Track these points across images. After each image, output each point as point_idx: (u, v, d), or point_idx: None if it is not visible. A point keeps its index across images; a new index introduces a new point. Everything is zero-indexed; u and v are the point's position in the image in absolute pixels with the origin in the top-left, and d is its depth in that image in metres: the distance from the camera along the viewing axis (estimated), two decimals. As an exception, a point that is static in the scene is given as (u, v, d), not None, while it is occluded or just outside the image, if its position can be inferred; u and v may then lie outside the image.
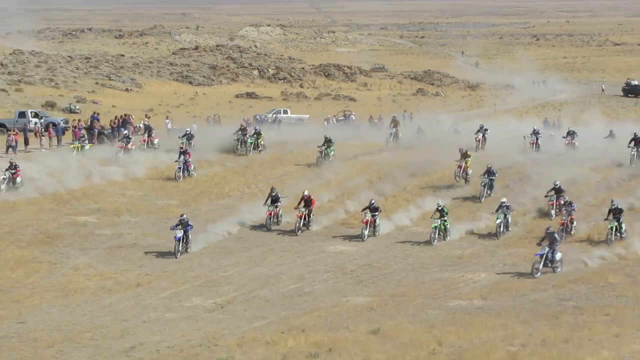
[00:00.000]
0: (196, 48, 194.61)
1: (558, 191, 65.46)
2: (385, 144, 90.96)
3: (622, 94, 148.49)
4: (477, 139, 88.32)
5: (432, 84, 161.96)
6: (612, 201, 60.41)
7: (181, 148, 79.86)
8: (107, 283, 49.22)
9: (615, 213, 58.50)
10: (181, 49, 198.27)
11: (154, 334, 40.70)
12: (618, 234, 58.69)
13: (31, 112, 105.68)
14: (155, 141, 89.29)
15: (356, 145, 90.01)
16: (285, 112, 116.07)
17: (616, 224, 58.32)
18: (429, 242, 59.77)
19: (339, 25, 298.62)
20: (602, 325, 43.51)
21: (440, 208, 60.47)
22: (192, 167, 78.65)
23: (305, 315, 44.42)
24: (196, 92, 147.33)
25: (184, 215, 57.25)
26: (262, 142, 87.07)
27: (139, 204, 70.43)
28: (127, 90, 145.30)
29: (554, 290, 48.65)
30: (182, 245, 56.73)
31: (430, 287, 49.47)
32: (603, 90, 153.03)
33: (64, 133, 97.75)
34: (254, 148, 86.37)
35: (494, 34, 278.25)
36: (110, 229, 62.80)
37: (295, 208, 63.11)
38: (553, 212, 64.99)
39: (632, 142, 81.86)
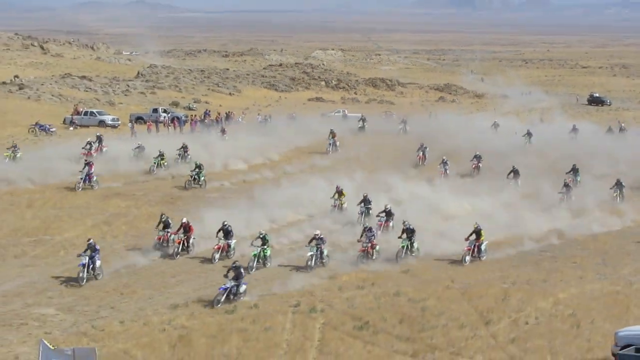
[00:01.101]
0: (280, 65, 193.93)
1: (388, 214, 51.70)
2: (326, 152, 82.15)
3: (587, 103, 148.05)
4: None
5: (450, 93, 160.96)
6: (404, 222, 47.17)
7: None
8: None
9: (408, 233, 46.18)
10: (270, 65, 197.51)
11: None
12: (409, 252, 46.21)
13: (161, 109, 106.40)
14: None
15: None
16: (344, 111, 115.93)
17: (408, 243, 45.97)
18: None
19: (383, 50, 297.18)
20: (570, 270, 43.32)
21: (262, 235, 44.67)
22: None
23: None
24: (280, 96, 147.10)
25: (91, 240, 41.72)
26: None
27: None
28: (230, 94, 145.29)
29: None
30: (87, 271, 40.60)
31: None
32: (577, 100, 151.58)
33: (184, 123, 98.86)
34: None
35: (494, 58, 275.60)
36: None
37: (175, 234, 46.20)
38: (380, 232, 49.75)
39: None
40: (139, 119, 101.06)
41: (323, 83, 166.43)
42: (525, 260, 43.96)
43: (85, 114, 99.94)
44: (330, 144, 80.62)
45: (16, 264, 42.91)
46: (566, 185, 60.99)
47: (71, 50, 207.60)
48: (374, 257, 45.40)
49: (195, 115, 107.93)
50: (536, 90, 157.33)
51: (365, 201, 54.11)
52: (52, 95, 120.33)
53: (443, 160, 71.23)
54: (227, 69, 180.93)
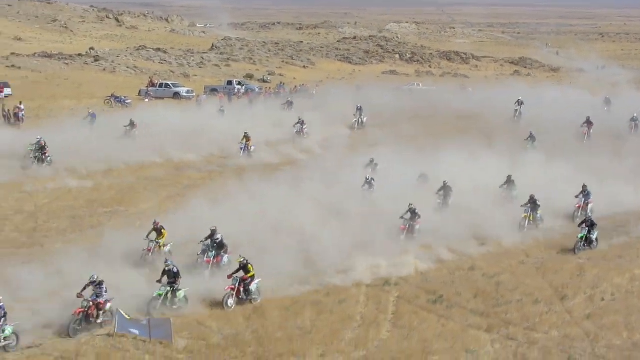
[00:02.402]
0: (354, 38, 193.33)
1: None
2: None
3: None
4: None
5: (525, 67, 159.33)
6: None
7: None
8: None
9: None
10: (344, 38, 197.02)
11: None
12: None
13: (236, 81, 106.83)
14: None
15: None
16: (418, 85, 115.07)
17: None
18: None
19: (457, 23, 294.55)
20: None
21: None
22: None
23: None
24: (354, 69, 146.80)
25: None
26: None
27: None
28: (304, 67, 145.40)
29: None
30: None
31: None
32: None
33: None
34: None
35: (570, 32, 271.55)
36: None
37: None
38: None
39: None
40: (213, 91, 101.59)
41: (397, 56, 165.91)
42: (600, 235, 43.27)
43: (160, 86, 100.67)
44: (241, 149, 64.99)
45: (92, 234, 43.37)
46: None
47: (146, 23, 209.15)
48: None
49: (269, 88, 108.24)
50: (612, 64, 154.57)
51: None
52: (127, 67, 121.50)
53: None
54: (301, 42, 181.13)
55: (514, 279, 37.75)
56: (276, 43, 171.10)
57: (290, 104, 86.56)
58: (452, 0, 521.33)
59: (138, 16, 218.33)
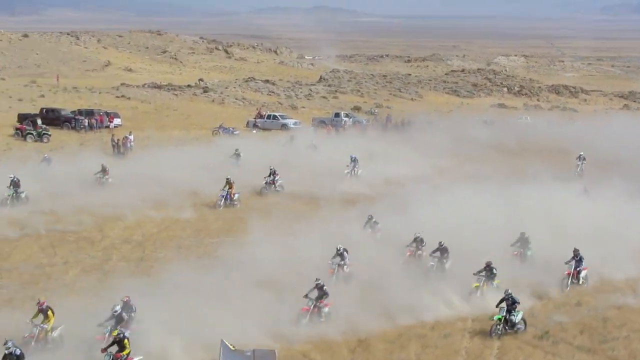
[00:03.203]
0: (462, 70, 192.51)
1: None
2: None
3: None
4: None
5: (634, 101, 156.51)
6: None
7: None
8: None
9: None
10: (452, 70, 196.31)
11: None
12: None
13: (343, 113, 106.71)
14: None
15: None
16: (526, 118, 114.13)
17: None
18: None
19: (566, 56, 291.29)
20: None
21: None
22: None
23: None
24: (462, 102, 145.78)
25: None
26: None
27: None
28: (412, 99, 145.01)
29: None
30: None
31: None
32: None
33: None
34: None
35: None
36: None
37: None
38: None
39: None
40: (321, 123, 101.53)
41: (505, 89, 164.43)
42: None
43: (268, 117, 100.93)
44: (222, 196, 58.14)
45: (198, 264, 43.13)
46: None
47: (255, 54, 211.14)
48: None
49: (375, 119, 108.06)
50: None
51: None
52: (236, 99, 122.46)
53: None
54: (409, 74, 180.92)
55: (620, 314, 37.33)
56: (384, 75, 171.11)
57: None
58: (561, 33, 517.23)
59: (247, 48, 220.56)
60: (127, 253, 45.70)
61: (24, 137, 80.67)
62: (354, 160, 68.64)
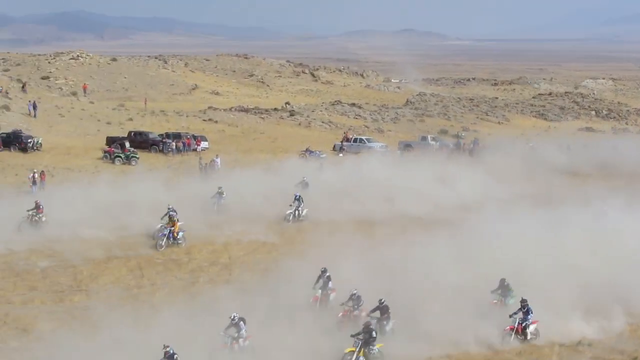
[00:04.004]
0: (550, 94, 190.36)
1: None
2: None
3: None
4: None
5: None
6: None
7: None
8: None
9: None
10: (539, 94, 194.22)
11: None
12: None
13: (430, 137, 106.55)
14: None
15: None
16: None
17: None
18: None
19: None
20: None
21: None
22: None
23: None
24: (549, 126, 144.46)
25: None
26: None
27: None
28: (499, 123, 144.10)
29: None
30: None
31: None
32: None
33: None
34: None
35: None
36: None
37: None
38: None
39: None
40: (407, 147, 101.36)
41: (593, 112, 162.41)
42: None
43: (355, 140, 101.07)
44: (163, 235, 52.06)
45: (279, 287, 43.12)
46: None
47: (341, 78, 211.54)
48: None
49: (463, 144, 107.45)
50: None
51: None
52: (322, 122, 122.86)
53: None
54: (496, 98, 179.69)
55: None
56: (471, 99, 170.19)
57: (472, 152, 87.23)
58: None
59: (333, 71, 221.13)
60: (214, 275, 46.08)
61: (112, 160, 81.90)
62: (297, 199, 60.53)
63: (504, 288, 39.42)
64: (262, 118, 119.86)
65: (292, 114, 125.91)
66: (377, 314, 36.47)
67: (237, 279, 45.29)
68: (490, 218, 50.27)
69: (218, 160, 78.98)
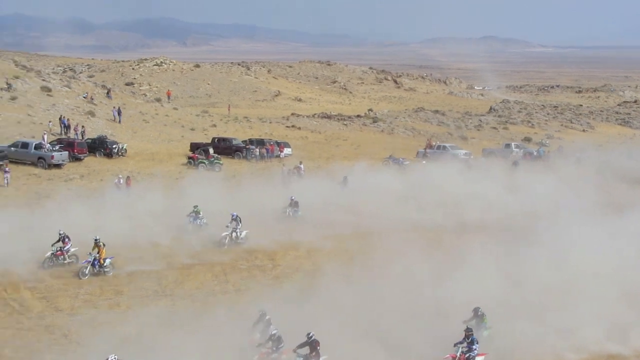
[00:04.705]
0: (635, 101, 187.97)
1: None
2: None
3: None
4: None
5: None
6: None
7: None
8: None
9: None
10: (624, 101, 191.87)
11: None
12: None
13: (514, 144, 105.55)
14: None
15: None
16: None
17: None
18: None
19: None
20: None
21: None
22: None
23: None
24: (634, 134, 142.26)
25: None
26: None
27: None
28: (583, 130, 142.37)
29: None
30: None
31: None
32: None
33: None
34: None
35: None
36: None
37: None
38: None
39: None
40: (490, 154, 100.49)
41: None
42: None
43: (438, 148, 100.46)
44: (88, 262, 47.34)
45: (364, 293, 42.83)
46: None
47: (424, 85, 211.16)
48: None
49: (548, 151, 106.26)
50: None
51: None
52: (405, 129, 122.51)
53: None
54: (581, 105, 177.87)
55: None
56: (555, 106, 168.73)
57: (516, 164, 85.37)
58: None
59: (416, 78, 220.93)
60: (298, 282, 45.92)
61: (196, 165, 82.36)
62: (235, 219, 54.37)
63: (477, 318, 36.17)
64: (345, 125, 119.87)
65: (375, 120, 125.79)
66: (306, 349, 32.70)
67: (321, 286, 45.02)
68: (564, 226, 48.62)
69: (302, 166, 79.10)
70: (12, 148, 76.59)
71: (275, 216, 61.17)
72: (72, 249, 47.90)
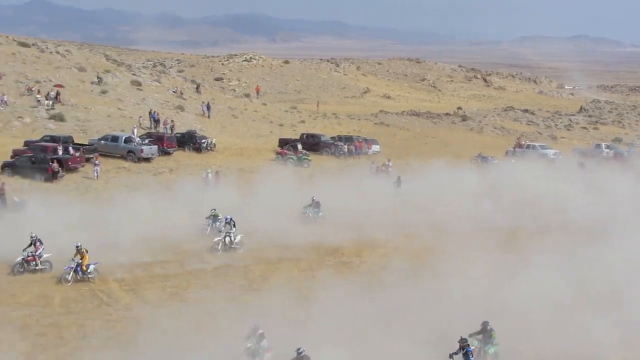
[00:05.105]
0: None
1: None
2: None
3: None
4: None
5: None
6: None
7: None
8: None
9: None
10: None
11: None
12: None
13: (604, 144, 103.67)
14: None
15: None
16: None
17: None
18: None
19: None
20: None
21: None
22: None
23: None
24: None
25: None
26: None
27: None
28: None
29: None
30: None
31: None
32: None
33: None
34: None
35: None
36: None
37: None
38: None
39: None
40: (581, 154, 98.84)
41: None
42: None
43: (527, 147, 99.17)
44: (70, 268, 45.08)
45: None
46: None
47: (513, 84, 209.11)
48: None
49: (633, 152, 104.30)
50: None
51: None
52: (494, 128, 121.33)
53: None
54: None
55: None
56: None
57: (581, 165, 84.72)
58: None
59: (506, 77, 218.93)
60: (384, 279, 45.49)
61: (285, 161, 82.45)
62: (228, 223, 51.46)
63: (485, 333, 34.04)
64: (434, 122, 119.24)
65: (464, 119, 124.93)
66: None
67: (408, 283, 44.54)
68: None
69: (390, 164, 78.76)
70: (102, 141, 77.62)
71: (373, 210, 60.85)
72: (45, 255, 45.52)
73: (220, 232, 52.30)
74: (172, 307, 39.85)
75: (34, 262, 45.22)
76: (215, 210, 54.76)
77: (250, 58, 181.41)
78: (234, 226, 51.07)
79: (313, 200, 59.26)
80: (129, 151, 76.76)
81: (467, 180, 72.85)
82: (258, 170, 76.20)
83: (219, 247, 50.48)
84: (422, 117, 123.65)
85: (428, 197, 64.96)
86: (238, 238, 51.17)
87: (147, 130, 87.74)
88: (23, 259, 45.06)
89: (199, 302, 41.02)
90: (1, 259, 45.36)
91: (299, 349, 31.02)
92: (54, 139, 75.74)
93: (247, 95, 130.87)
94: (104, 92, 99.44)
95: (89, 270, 44.09)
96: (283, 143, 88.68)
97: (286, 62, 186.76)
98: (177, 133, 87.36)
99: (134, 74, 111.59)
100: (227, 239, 50.73)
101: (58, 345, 34.46)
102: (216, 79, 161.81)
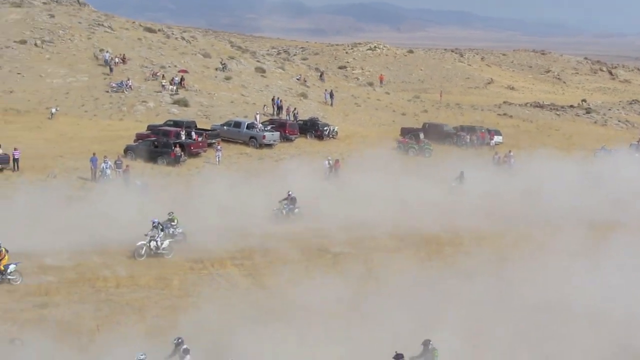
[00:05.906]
0: None
1: None
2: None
3: None
4: None
5: None
6: None
7: None
8: None
9: None
10: None
11: None
12: None
13: None
14: None
15: None
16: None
17: None
18: None
19: None
20: None
21: None
22: None
23: None
24: None
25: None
26: None
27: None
28: None
29: None
30: None
31: None
32: None
33: None
34: None
35: None
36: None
37: None
38: None
39: None
40: None
41: None
42: None
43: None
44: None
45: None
46: None
47: (639, 77, 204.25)
48: None
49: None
50: None
51: None
52: (619, 121, 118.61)
53: None
54: None
55: None
56: None
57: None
58: None
59: (632, 70, 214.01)
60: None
61: (406, 150, 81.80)
62: (156, 227, 45.69)
63: (427, 353, 31.26)
64: (558, 114, 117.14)
65: (588, 111, 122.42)
66: None
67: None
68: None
69: (512, 154, 77.70)
70: (225, 127, 78.30)
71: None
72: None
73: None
74: (289, 292, 39.63)
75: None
76: (172, 213, 48.26)
77: (375, 47, 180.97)
78: (162, 230, 46.00)
79: (289, 195, 55.22)
80: (251, 137, 77.25)
81: (590, 171, 71.39)
82: (379, 158, 75.72)
83: (142, 252, 44.94)
84: (545, 109, 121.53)
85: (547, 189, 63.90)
86: (165, 243, 45.71)
87: (270, 117, 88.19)
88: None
89: (318, 288, 40.70)
90: (121, 241, 45.85)
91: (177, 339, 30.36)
92: (177, 123, 76.69)
93: (371, 84, 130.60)
94: (227, 78, 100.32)
95: (9, 271, 39.85)
96: (405, 132, 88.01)
97: (410, 51, 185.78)
98: (300, 120, 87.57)
99: (258, 61, 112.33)
100: (153, 242, 45.25)
101: (174, 328, 34.70)
102: (340, 67, 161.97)
